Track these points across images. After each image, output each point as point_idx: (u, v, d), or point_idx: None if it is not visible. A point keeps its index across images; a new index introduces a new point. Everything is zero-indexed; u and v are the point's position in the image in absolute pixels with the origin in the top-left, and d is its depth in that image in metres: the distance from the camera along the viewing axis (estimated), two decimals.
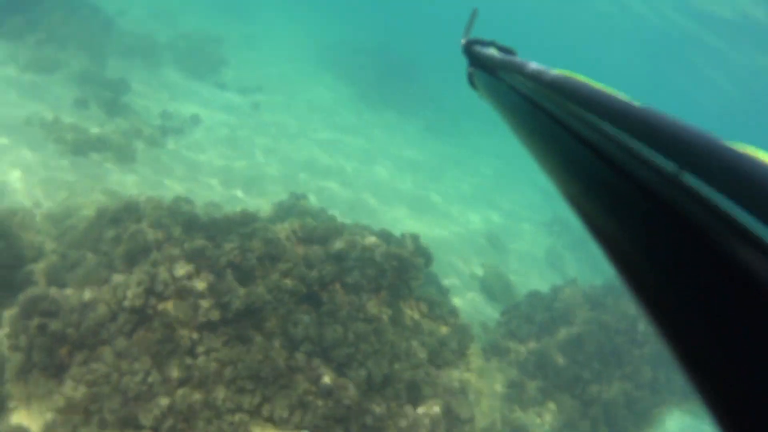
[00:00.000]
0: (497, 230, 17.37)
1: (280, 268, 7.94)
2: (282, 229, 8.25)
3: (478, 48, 1.74)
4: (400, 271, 9.25)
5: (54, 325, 6.89)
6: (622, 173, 0.72)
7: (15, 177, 10.58)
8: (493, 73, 1.53)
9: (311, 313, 8.46)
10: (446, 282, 12.48)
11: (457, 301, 12.22)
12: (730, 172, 0.58)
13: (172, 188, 11.63)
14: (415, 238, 9.48)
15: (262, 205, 12.31)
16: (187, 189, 11.90)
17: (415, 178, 19.01)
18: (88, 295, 7.05)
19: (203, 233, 7.66)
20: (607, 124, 0.82)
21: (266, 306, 7.84)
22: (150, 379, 6.95)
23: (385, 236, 9.25)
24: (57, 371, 7.15)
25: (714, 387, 0.50)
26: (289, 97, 21.23)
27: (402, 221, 15.45)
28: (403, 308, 9.42)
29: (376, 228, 9.97)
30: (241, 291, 7.49)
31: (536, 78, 1.15)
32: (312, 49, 29.16)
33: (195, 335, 7.36)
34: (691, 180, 0.61)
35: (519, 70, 1.29)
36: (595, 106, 0.87)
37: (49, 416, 6.94)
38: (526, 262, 16.40)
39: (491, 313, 12.81)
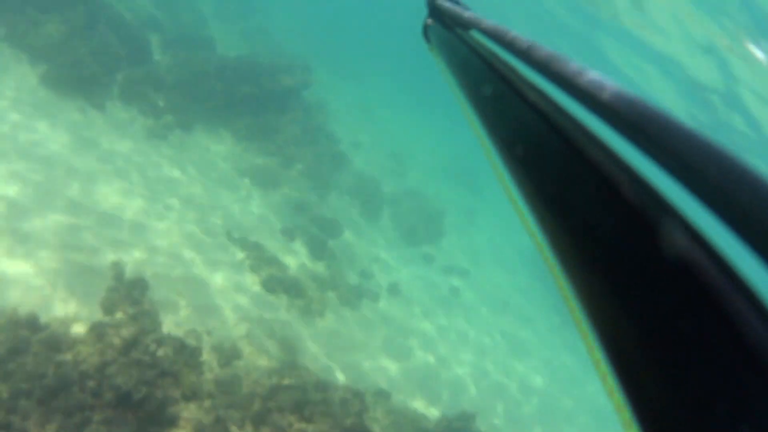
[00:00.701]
0: None
1: None
2: None
3: (442, 2, 1.57)
4: None
5: None
6: (575, 149, 0.63)
7: None
8: (450, 28, 1.48)
9: None
10: None
11: None
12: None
13: (349, 361, 10.24)
14: None
15: (429, 407, 10.58)
16: (362, 365, 10.53)
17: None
18: None
19: None
20: (565, 94, 0.71)
21: None
22: None
23: None
24: None
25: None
26: (490, 292, 18.93)
27: None
28: None
29: None
30: None
31: (507, 43, 0.97)
32: (529, 245, 26.73)
33: None
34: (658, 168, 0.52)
35: (481, 29, 1.15)
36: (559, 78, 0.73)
37: None
38: None
39: None
